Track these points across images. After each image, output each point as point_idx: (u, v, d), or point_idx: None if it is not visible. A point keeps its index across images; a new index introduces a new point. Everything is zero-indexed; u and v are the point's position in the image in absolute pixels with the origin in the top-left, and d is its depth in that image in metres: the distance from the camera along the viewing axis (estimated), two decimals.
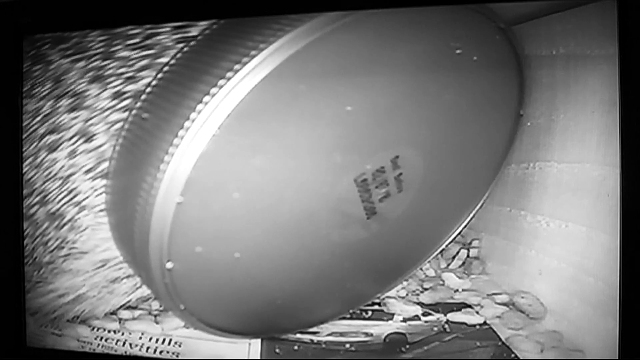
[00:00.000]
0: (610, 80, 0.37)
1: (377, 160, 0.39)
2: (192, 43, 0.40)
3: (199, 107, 0.34)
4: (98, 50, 0.43)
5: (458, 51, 0.38)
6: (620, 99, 0.37)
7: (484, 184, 0.44)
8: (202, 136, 0.35)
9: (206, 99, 0.34)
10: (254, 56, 0.34)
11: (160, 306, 0.45)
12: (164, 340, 0.45)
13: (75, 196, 0.44)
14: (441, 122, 0.40)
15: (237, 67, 0.34)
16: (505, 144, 0.43)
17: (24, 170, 0.45)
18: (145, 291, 0.45)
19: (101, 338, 0.46)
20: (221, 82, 0.34)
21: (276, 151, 0.37)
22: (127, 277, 0.44)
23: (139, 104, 0.41)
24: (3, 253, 0.47)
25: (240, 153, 0.36)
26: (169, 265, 0.37)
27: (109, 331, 0.46)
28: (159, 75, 0.41)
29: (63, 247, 0.45)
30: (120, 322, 0.46)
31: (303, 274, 0.41)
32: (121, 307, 0.46)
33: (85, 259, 0.45)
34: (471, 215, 0.44)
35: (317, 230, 0.39)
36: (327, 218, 0.39)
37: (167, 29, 0.41)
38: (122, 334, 0.46)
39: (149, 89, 0.41)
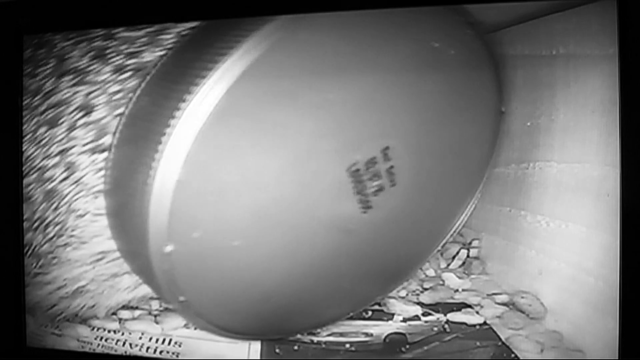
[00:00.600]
0: (610, 80, 0.37)
1: (367, 150, 0.39)
2: (190, 32, 0.42)
3: (194, 88, 0.35)
4: (99, 33, 0.44)
5: (435, 44, 0.39)
6: (620, 99, 0.37)
7: (474, 180, 0.44)
8: (196, 114, 0.36)
9: (199, 80, 0.35)
10: (240, 42, 0.35)
11: (160, 305, 0.45)
12: (164, 340, 0.45)
13: (73, 172, 0.44)
14: (427, 115, 0.40)
15: (226, 50, 0.35)
16: (489, 142, 0.43)
17: (24, 153, 0.46)
18: (147, 288, 0.45)
19: (101, 338, 0.46)
20: (210, 65, 0.35)
21: (265, 134, 0.37)
22: (129, 272, 0.44)
23: (137, 92, 0.42)
24: (3, 253, 0.47)
25: (233, 134, 0.37)
26: (168, 248, 0.37)
27: (109, 331, 0.46)
28: (156, 66, 0.42)
29: (62, 235, 0.45)
30: (120, 322, 0.46)
31: (301, 270, 0.41)
32: (125, 305, 0.46)
33: (84, 249, 0.45)
34: (465, 213, 0.44)
35: (313, 221, 0.39)
36: (322, 209, 0.39)
37: None
38: (122, 334, 0.46)
39: (147, 78, 0.42)
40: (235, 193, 0.38)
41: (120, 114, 0.42)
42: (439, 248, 0.45)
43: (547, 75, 0.41)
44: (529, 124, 0.42)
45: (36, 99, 0.45)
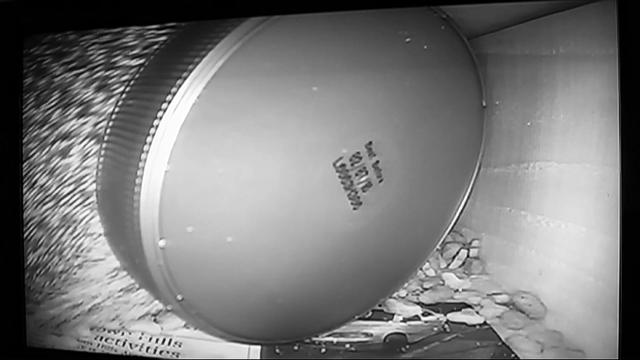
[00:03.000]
0: (610, 80, 0.37)
1: (351, 145, 0.39)
2: (171, 36, 0.43)
3: (179, 82, 0.36)
4: (100, 62, 0.44)
5: (407, 40, 0.39)
6: (620, 99, 0.37)
7: (463, 175, 0.44)
8: (183, 106, 0.36)
9: (185, 74, 0.36)
10: (222, 37, 0.36)
11: (162, 303, 0.45)
12: (164, 340, 0.45)
13: (88, 197, 0.44)
14: (408, 110, 0.41)
15: (209, 46, 0.36)
16: (474, 136, 0.43)
17: (36, 178, 0.46)
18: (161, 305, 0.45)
19: (101, 338, 0.46)
20: (196, 59, 0.36)
21: (252, 128, 0.38)
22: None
23: (123, 96, 0.43)
24: (3, 253, 0.47)
25: (219, 126, 0.37)
26: (161, 243, 0.37)
27: (109, 331, 0.46)
28: (141, 69, 0.43)
29: (78, 256, 0.45)
30: (120, 322, 0.46)
31: (300, 269, 0.41)
32: (140, 318, 0.46)
33: (99, 266, 0.45)
34: (460, 210, 0.44)
35: (305, 216, 0.39)
36: (313, 205, 0.39)
37: (164, 38, 0.43)
38: (122, 334, 0.46)
39: (132, 81, 0.43)
40: (224, 188, 0.38)
41: (107, 121, 0.43)
42: (438, 247, 0.45)
43: (547, 75, 0.41)
44: (529, 124, 0.42)
45: (44, 129, 0.45)
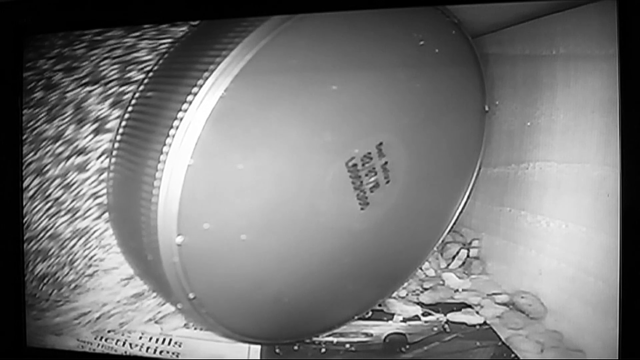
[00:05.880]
0: (610, 80, 0.37)
1: (363, 145, 0.39)
2: (191, 30, 0.42)
3: (205, 74, 0.35)
4: (114, 77, 0.43)
5: (421, 42, 0.39)
6: (620, 99, 0.37)
7: (464, 177, 0.44)
8: (210, 99, 0.35)
9: (212, 67, 0.36)
10: (250, 31, 0.36)
11: (172, 302, 0.45)
12: (164, 340, 0.45)
13: (103, 212, 0.44)
14: (416, 112, 0.41)
15: (237, 39, 0.36)
16: (475, 139, 0.44)
17: (50, 191, 0.45)
18: (170, 307, 0.44)
19: (101, 338, 0.46)
20: (224, 52, 0.36)
21: (273, 124, 0.37)
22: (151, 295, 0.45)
23: (142, 87, 0.42)
24: (3, 254, 0.47)
25: (242, 121, 0.37)
26: (179, 239, 0.37)
27: (108, 331, 0.46)
28: (159, 63, 0.42)
29: (90, 266, 0.45)
30: (127, 329, 0.46)
31: (306, 269, 0.41)
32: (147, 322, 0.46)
33: (111, 275, 0.45)
34: (459, 211, 0.44)
35: (315, 215, 0.39)
36: (323, 203, 0.39)
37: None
38: (122, 334, 0.46)
39: (151, 73, 0.42)
40: (243, 184, 0.38)
41: (122, 113, 0.43)
42: (436, 247, 0.45)
43: (547, 75, 0.41)
44: (529, 124, 0.42)
45: (58, 144, 0.45)
